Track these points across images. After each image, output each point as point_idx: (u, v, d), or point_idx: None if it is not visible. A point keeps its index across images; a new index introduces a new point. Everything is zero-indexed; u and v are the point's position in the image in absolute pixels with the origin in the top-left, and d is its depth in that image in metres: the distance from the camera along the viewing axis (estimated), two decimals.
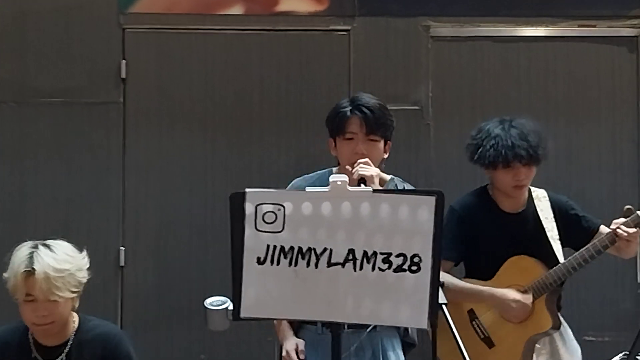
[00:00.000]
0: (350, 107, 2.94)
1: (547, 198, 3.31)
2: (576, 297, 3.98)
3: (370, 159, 2.86)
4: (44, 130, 4.09)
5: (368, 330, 2.81)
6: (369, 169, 2.79)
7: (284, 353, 2.89)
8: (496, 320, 3.23)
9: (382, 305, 2.11)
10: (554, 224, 3.24)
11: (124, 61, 4.11)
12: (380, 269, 2.11)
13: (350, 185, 2.73)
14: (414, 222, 2.10)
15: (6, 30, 4.08)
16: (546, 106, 4.18)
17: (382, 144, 2.94)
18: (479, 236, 3.25)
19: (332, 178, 2.12)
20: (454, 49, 4.18)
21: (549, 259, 3.20)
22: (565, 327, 3.32)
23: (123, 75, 4.11)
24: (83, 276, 2.71)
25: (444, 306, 2.34)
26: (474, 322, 3.25)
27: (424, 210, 2.10)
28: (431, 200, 2.10)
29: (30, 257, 2.63)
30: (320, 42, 4.15)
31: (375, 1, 4.15)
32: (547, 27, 4.20)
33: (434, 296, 2.11)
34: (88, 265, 2.74)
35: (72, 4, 4.10)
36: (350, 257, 2.11)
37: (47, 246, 2.68)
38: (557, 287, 3.21)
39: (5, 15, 4.08)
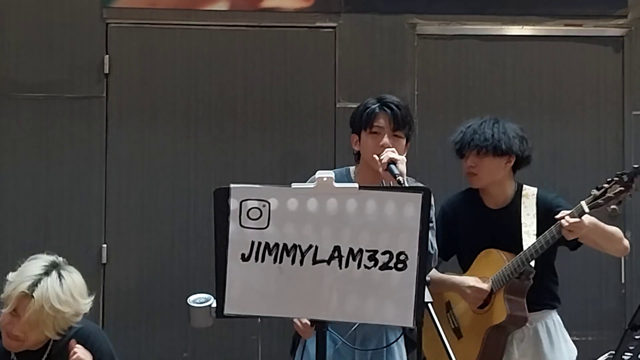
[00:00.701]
0: (379, 104, 3.05)
1: (535, 195, 3.37)
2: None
3: None
4: (24, 125, 4.04)
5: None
6: (397, 155, 2.90)
7: (295, 320, 2.90)
8: (465, 311, 3.35)
9: (367, 303, 2.09)
10: (534, 220, 3.31)
11: (107, 56, 4.07)
12: (366, 267, 2.09)
13: (381, 170, 2.81)
14: (400, 219, 2.08)
15: None
16: (531, 105, 4.18)
17: (404, 141, 3.04)
18: (461, 231, 3.39)
19: (317, 174, 2.10)
20: (439, 47, 4.17)
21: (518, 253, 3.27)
22: (556, 327, 3.37)
23: (106, 71, 4.07)
24: (76, 321, 2.64)
25: (429, 305, 2.33)
26: (448, 313, 3.39)
27: (410, 207, 2.08)
28: (417, 197, 2.08)
29: (37, 280, 2.56)
30: (305, 38, 4.13)
31: None
32: (534, 26, 4.20)
33: (420, 294, 2.09)
34: (87, 311, 2.67)
35: None
36: (336, 254, 2.09)
37: (59, 276, 2.59)
38: (518, 281, 3.24)
39: None
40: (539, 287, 3.30)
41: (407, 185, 2.79)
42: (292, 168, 3.99)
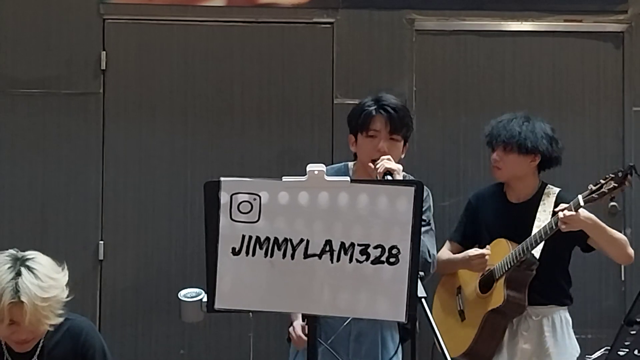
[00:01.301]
0: (375, 106, 3.00)
1: (556, 195, 3.47)
2: None
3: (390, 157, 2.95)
4: (21, 121, 4.03)
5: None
6: (393, 164, 2.87)
7: (291, 329, 2.96)
8: (471, 294, 3.46)
9: (359, 298, 2.07)
10: (549, 217, 3.36)
11: (103, 52, 4.05)
12: (357, 261, 2.06)
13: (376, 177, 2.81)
14: (392, 213, 2.06)
15: None
16: (530, 101, 4.16)
17: (402, 144, 3.01)
18: (483, 223, 3.52)
19: (309, 167, 2.08)
20: (438, 42, 4.14)
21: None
22: (562, 324, 3.42)
23: (103, 67, 4.06)
24: (66, 295, 2.62)
25: (423, 300, 2.31)
26: (457, 296, 3.52)
27: (403, 201, 2.06)
28: (410, 190, 2.06)
29: (15, 285, 2.52)
30: (303, 34, 4.11)
31: None
32: (533, 21, 4.17)
33: (412, 289, 2.07)
34: (67, 279, 2.65)
35: None
36: (327, 248, 2.07)
37: (29, 269, 2.55)
38: (519, 270, 3.34)
39: None
40: (548, 283, 3.39)
41: None
42: (290, 164, 3.97)
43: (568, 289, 3.47)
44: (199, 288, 2.33)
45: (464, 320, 3.47)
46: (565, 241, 3.32)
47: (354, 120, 3.03)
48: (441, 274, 3.56)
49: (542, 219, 3.37)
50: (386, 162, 2.84)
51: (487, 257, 3.35)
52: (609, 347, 2.60)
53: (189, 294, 2.27)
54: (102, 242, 4.03)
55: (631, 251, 3.36)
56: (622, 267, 4.11)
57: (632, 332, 2.48)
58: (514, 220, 3.43)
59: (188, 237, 4.01)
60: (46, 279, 2.55)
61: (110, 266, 4.03)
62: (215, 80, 4.09)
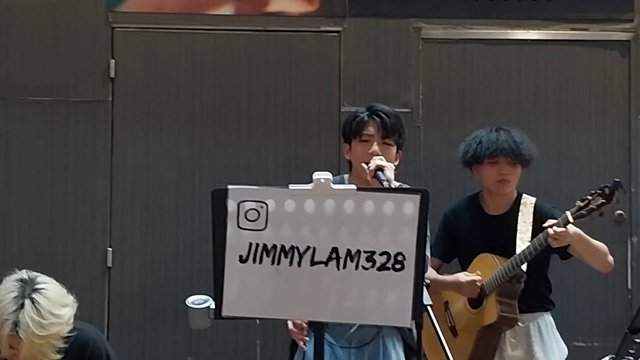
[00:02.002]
0: (368, 113, 3.07)
1: (533, 205, 3.48)
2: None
3: None
4: (30, 129, 4.06)
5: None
6: (384, 162, 2.91)
7: (289, 326, 2.92)
8: (460, 311, 3.47)
9: (365, 304, 2.08)
10: (530, 227, 3.40)
11: (112, 60, 4.08)
12: (363, 268, 2.08)
13: (369, 178, 2.84)
14: (398, 220, 2.07)
15: None
16: (536, 109, 4.17)
17: (394, 149, 3.05)
18: (462, 236, 3.50)
19: (315, 175, 2.09)
20: (444, 51, 4.16)
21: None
22: (548, 327, 3.45)
23: (112, 75, 4.08)
24: (69, 329, 2.60)
25: (429, 307, 2.32)
26: (446, 312, 3.51)
27: (408, 208, 2.07)
28: (416, 198, 2.07)
29: (16, 318, 2.50)
30: (310, 43, 4.13)
31: (366, 2, 4.13)
32: (539, 30, 4.19)
33: (418, 295, 2.08)
34: (74, 311, 2.62)
35: (60, 1, 4.07)
36: (334, 255, 2.08)
37: (33, 302, 2.52)
38: (509, 284, 3.35)
39: None
40: (532, 292, 3.40)
41: None
42: (296, 172, 3.99)
43: (549, 294, 3.50)
44: (206, 295, 2.34)
45: (456, 336, 3.46)
46: (546, 250, 3.34)
47: (347, 128, 3.10)
48: None
49: (523, 230, 3.40)
50: (377, 160, 2.90)
51: (478, 282, 3.35)
52: (614, 355, 2.60)
53: (197, 300, 2.29)
54: (110, 249, 4.05)
55: (611, 259, 3.39)
56: (629, 274, 4.12)
57: (637, 340, 2.48)
58: (494, 232, 3.43)
59: (195, 243, 4.03)
60: (48, 316, 2.52)
61: (118, 273, 4.05)
62: (223, 88, 4.12)
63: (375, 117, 3.03)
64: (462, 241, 3.50)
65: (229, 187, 2.09)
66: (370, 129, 3.02)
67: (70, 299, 2.63)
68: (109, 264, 4.05)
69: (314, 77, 4.12)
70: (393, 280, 2.06)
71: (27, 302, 2.53)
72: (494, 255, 3.39)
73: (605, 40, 4.19)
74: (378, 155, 2.94)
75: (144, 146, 4.09)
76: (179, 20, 4.12)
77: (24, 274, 2.64)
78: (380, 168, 2.86)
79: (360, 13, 4.12)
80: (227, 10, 4.13)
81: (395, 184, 2.96)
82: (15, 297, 2.55)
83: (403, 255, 2.06)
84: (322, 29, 4.13)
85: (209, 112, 4.11)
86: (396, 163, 3.06)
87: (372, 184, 2.87)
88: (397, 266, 2.06)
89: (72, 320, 2.59)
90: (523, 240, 3.36)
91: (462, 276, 3.40)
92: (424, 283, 2.15)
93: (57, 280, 3.92)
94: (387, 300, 2.07)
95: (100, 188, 4.06)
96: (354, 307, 2.08)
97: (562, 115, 4.18)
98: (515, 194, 3.51)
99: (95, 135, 4.07)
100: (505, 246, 3.37)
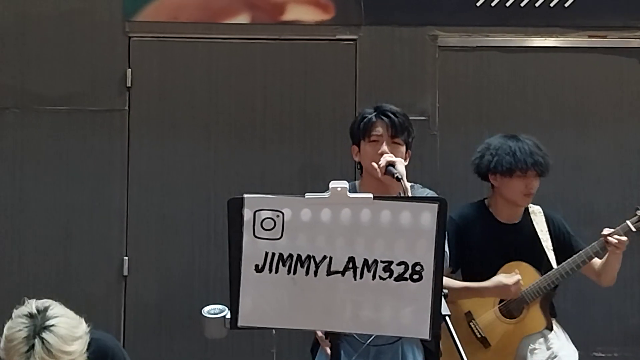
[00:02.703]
0: (375, 113, 3.05)
1: (542, 213, 3.48)
2: (585, 312, 3.94)
3: None
4: (46, 137, 4.07)
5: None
6: (394, 157, 2.90)
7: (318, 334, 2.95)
8: (492, 321, 3.41)
9: (382, 315, 2.06)
10: (549, 236, 3.42)
11: (129, 69, 4.09)
12: (380, 278, 2.06)
13: (380, 176, 2.81)
14: (415, 229, 2.05)
15: (9, 35, 4.08)
16: (554, 117, 4.14)
17: (404, 148, 3.03)
18: (475, 245, 3.43)
19: (332, 184, 2.07)
20: (461, 58, 4.14)
21: (544, 266, 3.40)
22: (560, 331, 3.47)
23: (128, 84, 4.10)
24: (84, 358, 2.54)
25: (447, 318, 2.29)
26: (471, 323, 3.42)
27: (426, 217, 2.05)
28: (434, 207, 2.05)
29: (28, 357, 2.44)
30: (326, 51, 4.13)
31: (382, 10, 4.12)
32: (557, 37, 4.16)
33: (436, 306, 2.06)
34: (88, 340, 2.56)
35: (77, 10, 4.10)
36: (350, 265, 2.06)
37: (43, 342, 2.46)
38: (550, 291, 3.39)
39: (7, 20, 4.08)
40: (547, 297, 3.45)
41: (406, 184, 2.78)
42: (312, 180, 3.98)
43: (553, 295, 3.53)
44: (222, 304, 2.33)
45: (489, 347, 3.40)
46: (559, 258, 3.38)
47: (355, 130, 3.08)
48: None
49: (545, 239, 3.41)
50: (387, 156, 2.89)
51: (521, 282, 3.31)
52: None
53: (212, 310, 2.27)
54: (126, 257, 4.06)
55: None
56: None
57: None
58: (516, 242, 3.40)
59: (211, 252, 4.03)
60: (60, 355, 2.47)
61: (134, 281, 4.05)
62: (238, 97, 4.12)
63: (383, 117, 3.01)
64: (473, 249, 3.43)
65: (245, 195, 2.08)
66: (379, 129, 3.00)
67: (82, 329, 2.56)
68: (125, 273, 4.05)
69: (330, 86, 4.11)
70: (411, 291, 2.04)
71: (37, 342, 2.48)
72: (529, 265, 3.36)
73: (623, 48, 4.16)
74: (387, 153, 2.93)
75: (160, 155, 4.09)
76: (195, 30, 4.13)
77: (32, 307, 2.55)
78: (391, 163, 2.85)
79: (376, 21, 4.11)
80: (242, 19, 4.14)
81: (407, 185, 2.94)
82: (25, 338, 2.49)
83: (421, 266, 2.04)
84: (338, 37, 4.12)
85: (224, 120, 4.11)
86: (406, 163, 3.04)
87: (384, 181, 2.85)
88: (415, 277, 2.04)
89: (85, 349, 2.54)
90: (548, 249, 3.37)
91: (504, 278, 3.32)
92: (442, 293, 2.13)
93: (73, 289, 3.97)
94: (405, 312, 2.05)
95: (117, 196, 4.06)
96: (371, 317, 2.06)
97: (580, 122, 4.15)
98: None
99: (112, 144, 4.08)
100: (534, 255, 3.36)
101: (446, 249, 2.80)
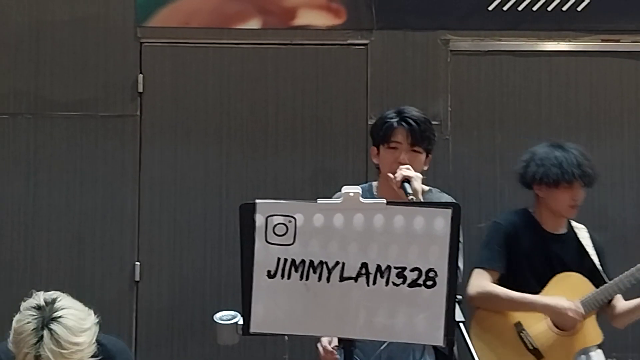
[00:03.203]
0: (397, 119, 3.04)
1: (587, 231, 3.45)
2: (600, 317, 3.90)
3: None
4: (59, 143, 4.08)
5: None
6: (412, 172, 2.88)
7: (319, 345, 2.92)
8: (544, 332, 3.32)
9: (395, 321, 2.05)
10: (594, 252, 3.38)
11: (140, 75, 4.10)
12: (394, 284, 2.05)
13: (395, 188, 2.80)
14: (429, 235, 2.04)
15: (22, 42, 4.09)
16: (567, 122, 4.12)
17: (423, 156, 3.03)
18: (523, 253, 3.37)
19: (344, 189, 2.07)
20: (473, 63, 4.12)
21: (594, 279, 3.33)
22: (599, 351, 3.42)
23: (140, 89, 4.10)
24: (92, 350, 2.55)
25: (461, 324, 2.28)
26: (521, 334, 3.34)
27: (440, 223, 2.04)
28: (447, 212, 2.04)
29: (36, 351, 2.45)
30: (337, 56, 4.12)
31: (394, 15, 4.11)
32: (570, 41, 4.14)
33: (450, 312, 2.04)
34: (96, 331, 2.56)
35: (89, 16, 4.10)
36: (363, 271, 2.05)
37: (52, 333, 2.46)
38: (606, 305, 3.33)
39: (21, 26, 4.09)
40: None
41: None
42: (324, 185, 3.97)
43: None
44: (234, 310, 2.32)
45: (542, 359, 3.32)
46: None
47: (376, 133, 3.08)
48: (485, 308, 3.38)
49: (592, 253, 3.37)
50: (404, 170, 2.87)
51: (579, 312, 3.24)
52: None
53: (225, 316, 2.26)
54: (138, 263, 4.05)
55: None
56: None
57: None
58: (564, 252, 3.37)
59: (223, 257, 4.02)
60: (69, 346, 2.47)
61: (146, 287, 4.04)
62: (250, 102, 4.11)
63: (404, 123, 3.00)
64: (521, 257, 3.36)
65: (257, 201, 2.07)
66: (399, 137, 2.99)
67: (90, 320, 2.56)
68: (137, 278, 4.05)
69: (341, 90, 4.10)
70: (424, 297, 2.03)
71: (46, 333, 2.48)
72: (583, 277, 3.31)
73: (636, 52, 4.13)
74: (405, 164, 2.91)
75: (172, 160, 4.09)
76: (206, 35, 4.12)
77: (40, 298, 2.56)
78: (407, 179, 2.82)
79: (387, 26, 4.10)
80: (254, 24, 4.13)
81: (424, 189, 2.92)
82: (33, 330, 2.49)
83: (434, 272, 2.03)
84: (350, 42, 4.12)
85: (236, 125, 4.11)
86: (425, 168, 3.03)
87: (399, 194, 2.84)
88: (429, 283, 2.03)
89: (94, 340, 2.55)
90: (598, 263, 3.33)
91: (567, 303, 3.26)
92: (456, 299, 2.11)
93: (85, 295, 3.96)
94: (418, 318, 2.04)
95: (129, 202, 4.06)
96: (384, 324, 2.05)
97: (594, 127, 4.12)
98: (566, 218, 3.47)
99: (124, 149, 4.08)
100: (586, 267, 3.31)
101: (460, 264, 2.82)
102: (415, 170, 2.94)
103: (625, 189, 4.06)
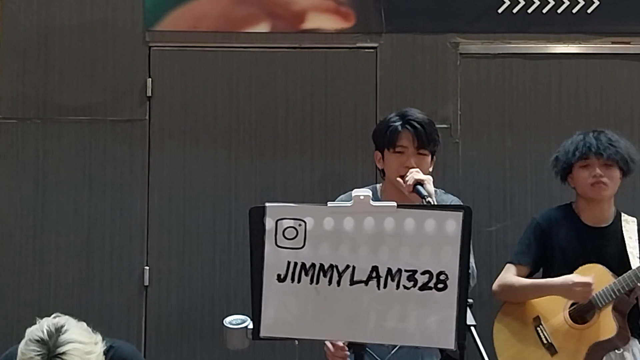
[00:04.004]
0: (401, 122, 3.00)
1: (636, 223, 3.35)
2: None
3: None
4: (67, 147, 4.08)
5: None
6: (422, 175, 2.86)
7: (325, 349, 2.89)
8: (560, 326, 3.26)
9: (407, 324, 2.03)
10: (637, 244, 3.26)
11: (149, 79, 4.10)
12: (405, 287, 2.03)
13: (407, 192, 2.79)
14: (440, 238, 2.03)
15: (30, 47, 4.09)
16: (577, 124, 4.08)
17: (429, 158, 3.01)
18: (557, 246, 3.32)
19: (354, 193, 2.06)
20: (483, 66, 4.11)
21: (625, 272, 3.22)
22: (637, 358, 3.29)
23: (149, 93, 4.10)
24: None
25: (472, 328, 2.26)
26: (538, 328, 3.30)
27: (451, 225, 2.03)
28: (458, 215, 2.03)
29: None
30: (346, 59, 4.11)
31: (403, 18, 4.10)
32: (580, 44, 4.12)
33: (461, 315, 2.03)
34: (101, 353, 2.51)
35: (97, 20, 4.11)
36: (374, 274, 2.04)
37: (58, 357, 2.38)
38: (627, 297, 3.20)
39: (29, 31, 4.10)
40: (632, 315, 3.27)
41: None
42: (333, 189, 3.95)
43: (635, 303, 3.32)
44: (243, 314, 2.31)
45: (555, 354, 3.25)
46: None
47: (380, 137, 3.04)
48: (507, 300, 3.38)
49: (632, 246, 3.25)
50: (415, 174, 2.84)
51: (593, 286, 3.15)
52: None
53: (234, 321, 2.25)
54: (147, 267, 4.05)
55: None
56: None
57: None
58: (600, 246, 3.28)
59: (232, 262, 4.01)
60: None
61: (155, 291, 4.04)
62: (259, 106, 4.11)
63: (409, 127, 2.97)
64: (555, 250, 3.32)
65: (267, 204, 2.06)
66: (405, 140, 2.97)
67: (97, 350, 2.49)
68: (146, 283, 4.04)
69: (351, 94, 4.09)
70: (435, 300, 2.02)
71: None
72: (604, 268, 3.23)
73: None
74: (414, 168, 2.89)
75: (181, 164, 4.08)
76: (215, 39, 4.12)
77: (44, 330, 2.47)
78: (419, 182, 2.80)
79: (396, 29, 4.09)
80: (263, 28, 4.13)
81: (433, 195, 2.90)
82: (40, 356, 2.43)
83: (446, 275, 2.02)
84: (359, 45, 4.11)
85: (245, 129, 4.10)
86: (430, 169, 3.01)
87: (411, 198, 2.82)
88: (440, 285, 2.02)
89: (102, 351, 2.51)
90: (634, 256, 3.22)
91: (575, 277, 3.17)
92: (467, 303, 2.09)
93: (93, 299, 3.97)
94: (430, 321, 2.02)
95: (137, 206, 4.06)
96: (395, 327, 2.03)
97: (604, 129, 4.09)
98: (615, 211, 3.39)
99: (133, 153, 4.08)
100: (616, 260, 3.23)
101: (472, 264, 2.79)
102: (423, 173, 2.92)
103: (635, 192, 4.03)
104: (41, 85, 4.09)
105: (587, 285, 3.15)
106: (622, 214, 3.40)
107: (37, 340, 2.47)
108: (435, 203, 2.78)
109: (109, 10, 4.11)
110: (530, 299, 3.30)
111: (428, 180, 2.84)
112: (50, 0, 4.11)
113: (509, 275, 3.35)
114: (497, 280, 3.40)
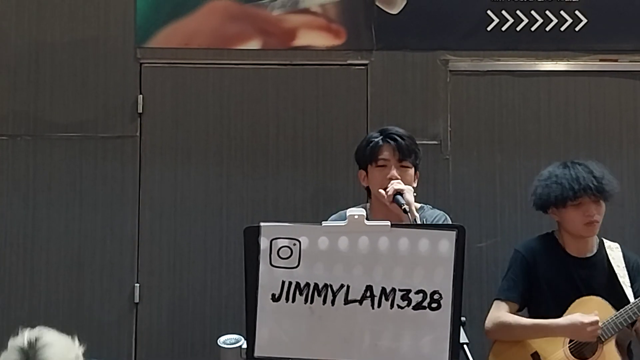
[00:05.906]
0: (382, 137, 3.05)
1: (620, 249, 3.29)
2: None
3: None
4: (58, 164, 4.07)
5: None
6: (402, 185, 2.88)
7: None
8: None
9: (400, 344, 2.04)
10: (626, 272, 3.22)
11: (140, 95, 4.10)
12: (399, 306, 2.04)
13: (388, 203, 2.78)
14: (434, 257, 2.04)
15: (21, 63, 4.09)
16: (566, 141, 4.12)
17: (412, 171, 3.03)
18: (544, 279, 3.25)
19: (349, 212, 2.07)
20: (472, 83, 4.14)
21: (621, 302, 3.18)
22: None
23: (140, 110, 4.10)
24: None
25: (465, 346, 2.27)
26: None
27: (444, 245, 2.04)
28: (452, 235, 2.04)
29: None
30: (337, 76, 4.13)
31: (393, 35, 4.12)
32: (568, 61, 4.15)
33: (455, 335, 2.04)
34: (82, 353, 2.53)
35: (89, 37, 4.11)
36: (368, 294, 2.05)
37: None
38: (627, 329, 3.16)
39: (20, 48, 4.09)
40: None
41: (414, 214, 2.76)
42: (324, 206, 3.96)
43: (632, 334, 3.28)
44: (238, 334, 2.31)
45: None
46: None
47: (362, 154, 3.08)
48: (501, 339, 3.27)
49: (622, 275, 3.20)
50: (395, 184, 2.87)
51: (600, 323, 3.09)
52: None
53: (228, 340, 2.25)
54: (137, 284, 4.03)
55: None
56: None
57: None
58: (589, 276, 3.21)
59: (223, 279, 4.00)
60: None
61: (146, 309, 4.02)
62: (251, 122, 4.12)
63: (389, 140, 3.02)
64: (542, 283, 3.24)
65: (262, 224, 2.07)
66: (386, 153, 3.01)
67: (75, 343, 2.49)
68: (137, 300, 4.03)
69: (342, 111, 4.11)
70: (429, 320, 2.02)
71: None
72: (604, 300, 3.16)
73: (635, 71, 4.15)
74: (396, 179, 2.91)
75: (172, 181, 4.08)
76: (206, 56, 4.13)
77: (24, 340, 2.47)
78: (398, 192, 2.82)
79: (387, 46, 4.11)
80: (254, 44, 4.14)
81: (416, 206, 2.91)
82: None
83: (439, 294, 2.03)
84: (349, 62, 4.13)
85: (236, 146, 4.11)
86: (415, 185, 3.02)
87: (392, 209, 2.83)
88: (434, 305, 2.03)
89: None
90: (626, 285, 3.17)
91: (581, 316, 3.10)
92: (461, 322, 2.11)
93: (84, 316, 3.94)
94: (424, 341, 2.03)
95: (128, 223, 4.05)
96: (390, 347, 2.04)
97: (593, 146, 4.12)
98: (597, 238, 3.32)
99: (123, 170, 4.07)
100: (609, 290, 3.17)
101: None
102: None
103: (624, 209, 4.06)
104: (32, 101, 4.08)
105: (596, 324, 3.09)
106: (605, 240, 3.36)
107: (18, 351, 2.48)
108: (414, 212, 2.80)
109: (100, 27, 4.12)
110: (529, 339, 3.21)
111: (408, 190, 2.86)
112: (41, 17, 4.12)
113: (503, 313, 3.23)
114: (489, 318, 3.27)
